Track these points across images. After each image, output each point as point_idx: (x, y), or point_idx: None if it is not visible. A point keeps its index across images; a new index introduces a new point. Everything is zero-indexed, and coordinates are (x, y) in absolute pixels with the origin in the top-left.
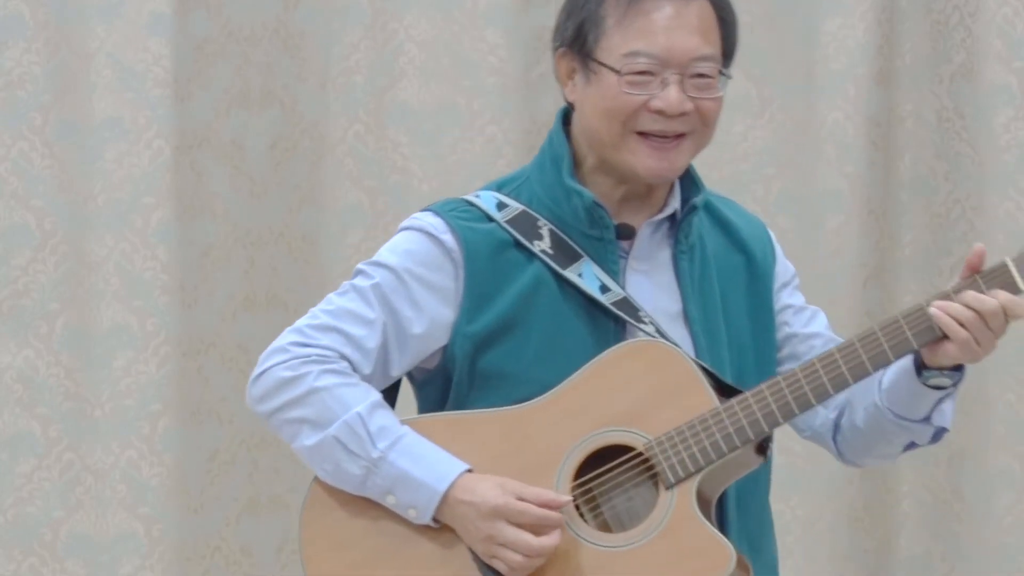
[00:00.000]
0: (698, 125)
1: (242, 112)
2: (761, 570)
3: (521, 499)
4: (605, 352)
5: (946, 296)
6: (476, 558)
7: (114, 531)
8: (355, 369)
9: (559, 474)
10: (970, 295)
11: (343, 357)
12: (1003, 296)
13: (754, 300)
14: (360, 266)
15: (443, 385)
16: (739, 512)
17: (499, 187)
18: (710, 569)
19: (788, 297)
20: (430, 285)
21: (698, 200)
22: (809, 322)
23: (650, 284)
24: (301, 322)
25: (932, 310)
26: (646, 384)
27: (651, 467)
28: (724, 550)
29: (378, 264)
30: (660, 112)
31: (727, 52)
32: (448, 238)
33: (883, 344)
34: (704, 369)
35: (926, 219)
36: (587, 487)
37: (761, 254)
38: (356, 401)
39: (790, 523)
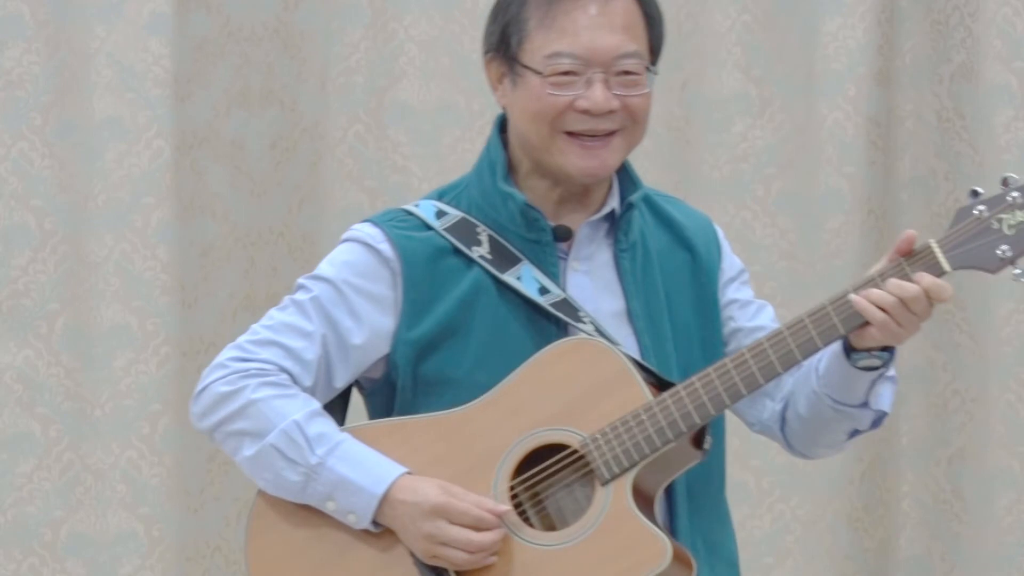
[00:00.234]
0: (627, 122)
1: (242, 112)
2: (719, 566)
3: (462, 501)
4: (539, 352)
5: (871, 281)
6: (417, 561)
7: (114, 531)
8: (295, 381)
9: (497, 475)
10: (892, 282)
11: (283, 370)
12: (927, 280)
13: (699, 296)
14: (300, 280)
15: (390, 394)
16: (690, 508)
17: (440, 195)
18: (645, 563)
19: (734, 292)
20: (369, 295)
21: (635, 198)
22: (755, 316)
23: (592, 284)
24: (242, 338)
25: (853, 297)
26: (580, 382)
27: (587, 464)
28: (659, 544)
29: (317, 277)
30: (586, 112)
31: (654, 48)
32: (386, 247)
33: (811, 331)
34: (639, 364)
35: (926, 219)
36: (529, 486)
37: (706, 250)
38: (294, 410)
39: (790, 523)
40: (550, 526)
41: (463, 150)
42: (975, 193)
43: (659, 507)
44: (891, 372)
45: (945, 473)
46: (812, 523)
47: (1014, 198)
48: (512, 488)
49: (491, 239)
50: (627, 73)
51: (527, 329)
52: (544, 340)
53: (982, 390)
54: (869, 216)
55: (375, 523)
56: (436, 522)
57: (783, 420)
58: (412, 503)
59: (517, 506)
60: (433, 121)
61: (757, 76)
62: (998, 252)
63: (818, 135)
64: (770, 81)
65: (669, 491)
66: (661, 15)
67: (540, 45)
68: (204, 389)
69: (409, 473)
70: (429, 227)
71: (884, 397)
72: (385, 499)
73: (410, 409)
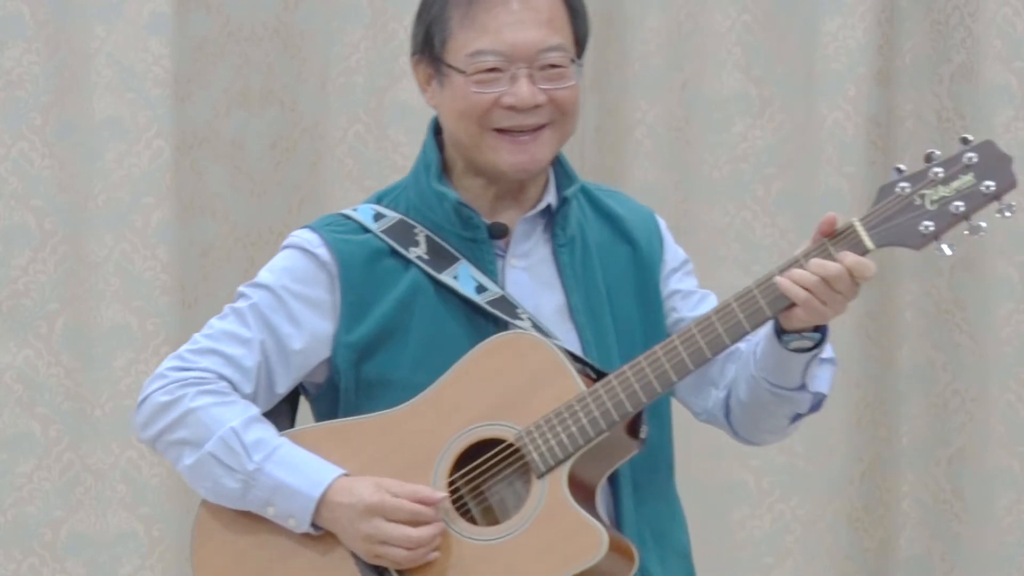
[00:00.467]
0: (556, 115)
1: (242, 112)
2: (669, 556)
3: (397, 496)
4: (473, 349)
5: (795, 262)
6: (358, 561)
7: (114, 531)
8: (235, 388)
9: (435, 472)
10: (814, 261)
11: (222, 377)
12: (849, 258)
13: (642, 288)
14: (240, 288)
15: (334, 397)
16: (636, 498)
17: (379, 199)
18: (582, 553)
19: (677, 283)
20: (307, 300)
21: (569, 192)
22: (697, 306)
23: (531, 280)
24: (182, 348)
25: (777, 278)
26: (514, 376)
27: (523, 458)
28: (596, 534)
29: (256, 285)
30: (513, 108)
31: (579, 40)
32: (323, 252)
33: (738, 315)
34: (573, 356)
35: None
36: (469, 482)
37: (647, 242)
38: (231, 417)
39: (790, 523)
40: (493, 521)
41: None
42: (899, 170)
43: (603, 498)
44: (828, 354)
45: (945, 473)
46: (812, 523)
47: (936, 173)
48: (452, 484)
49: (428, 239)
50: (552, 67)
51: (465, 328)
52: (482, 338)
53: (982, 390)
54: None
55: (315, 526)
56: (373, 521)
57: (727, 407)
58: (348, 504)
59: (459, 502)
60: None
61: (757, 76)
62: (921, 228)
63: (818, 135)
64: (770, 81)
65: (614, 482)
66: (584, 7)
67: (463, 44)
68: (145, 399)
69: (346, 475)
70: (367, 230)
71: (821, 379)
72: (322, 502)
73: (354, 412)
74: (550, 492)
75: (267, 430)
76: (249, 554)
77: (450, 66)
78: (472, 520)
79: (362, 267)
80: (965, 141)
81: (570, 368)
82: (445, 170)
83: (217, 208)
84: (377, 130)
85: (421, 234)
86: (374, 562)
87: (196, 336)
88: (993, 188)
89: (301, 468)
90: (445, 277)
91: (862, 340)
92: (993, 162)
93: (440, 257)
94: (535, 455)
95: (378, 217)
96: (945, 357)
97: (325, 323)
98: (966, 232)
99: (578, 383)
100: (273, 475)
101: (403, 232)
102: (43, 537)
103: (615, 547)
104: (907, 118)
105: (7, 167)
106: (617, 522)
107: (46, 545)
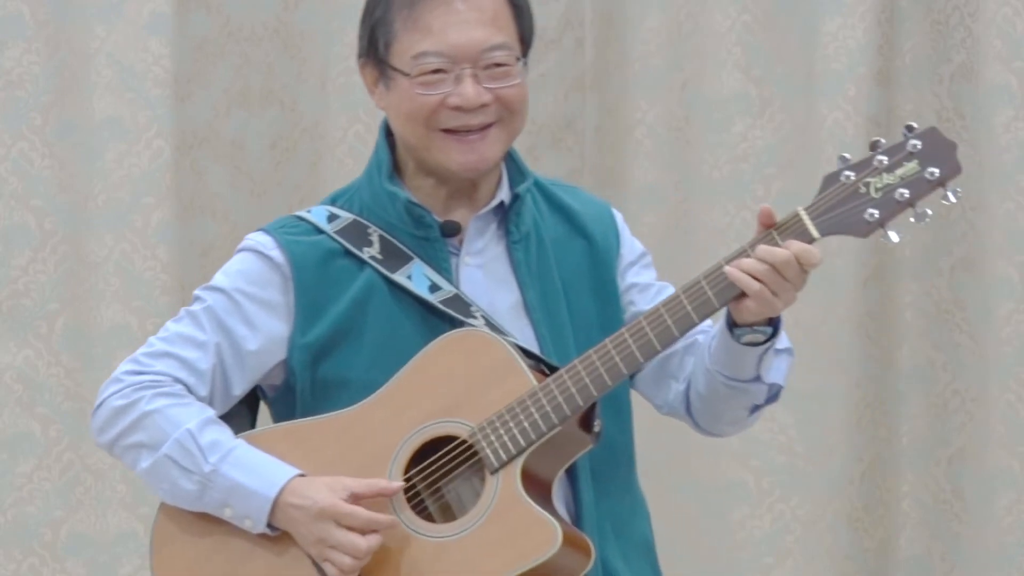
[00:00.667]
0: (503, 114)
1: (242, 112)
2: (632, 550)
3: (352, 494)
4: (425, 347)
5: (742, 252)
6: (315, 562)
7: (114, 531)
8: (191, 391)
9: (391, 470)
10: (761, 248)
11: (178, 380)
12: (796, 245)
13: (598, 283)
14: (196, 292)
15: (291, 399)
16: (596, 492)
17: (333, 200)
18: (536, 548)
19: (634, 276)
20: (262, 302)
21: (521, 188)
22: (654, 299)
23: (485, 278)
24: (138, 351)
25: (726, 267)
26: (466, 373)
27: (477, 454)
28: (550, 529)
29: (211, 288)
30: (459, 108)
31: (523, 38)
32: (276, 253)
33: (686, 307)
34: (525, 352)
35: None
36: (426, 480)
37: (603, 236)
38: (187, 419)
39: (790, 523)
40: (450, 518)
41: None
42: (843, 159)
43: (563, 492)
44: (783, 344)
45: (945, 473)
46: (812, 523)
47: (881, 161)
48: (408, 482)
49: (382, 239)
50: (497, 65)
51: (419, 327)
52: (436, 337)
53: (982, 390)
54: None
55: (272, 526)
56: (324, 524)
57: (687, 400)
58: (302, 507)
59: (415, 499)
60: None
61: (757, 76)
62: (866, 216)
63: (818, 135)
64: (770, 81)
65: (573, 475)
66: (528, 5)
67: (406, 46)
68: (101, 404)
69: (302, 475)
70: (320, 231)
71: (776, 370)
72: (277, 502)
73: (311, 413)
74: (503, 488)
75: (223, 432)
76: (208, 557)
77: (395, 69)
78: (429, 517)
79: (316, 268)
80: (910, 129)
81: (522, 364)
82: (397, 170)
83: (217, 208)
84: (377, 130)
85: (375, 234)
86: (323, 565)
87: (152, 339)
88: (937, 175)
89: (257, 469)
90: (399, 277)
91: (862, 340)
92: (937, 149)
93: (394, 257)
94: (488, 451)
95: (332, 218)
96: (945, 357)
97: (280, 325)
98: (912, 220)
99: (530, 379)
100: (229, 476)
101: (357, 232)
102: (43, 537)
103: (570, 542)
104: (907, 118)
105: (7, 167)
106: (577, 516)
107: (46, 545)
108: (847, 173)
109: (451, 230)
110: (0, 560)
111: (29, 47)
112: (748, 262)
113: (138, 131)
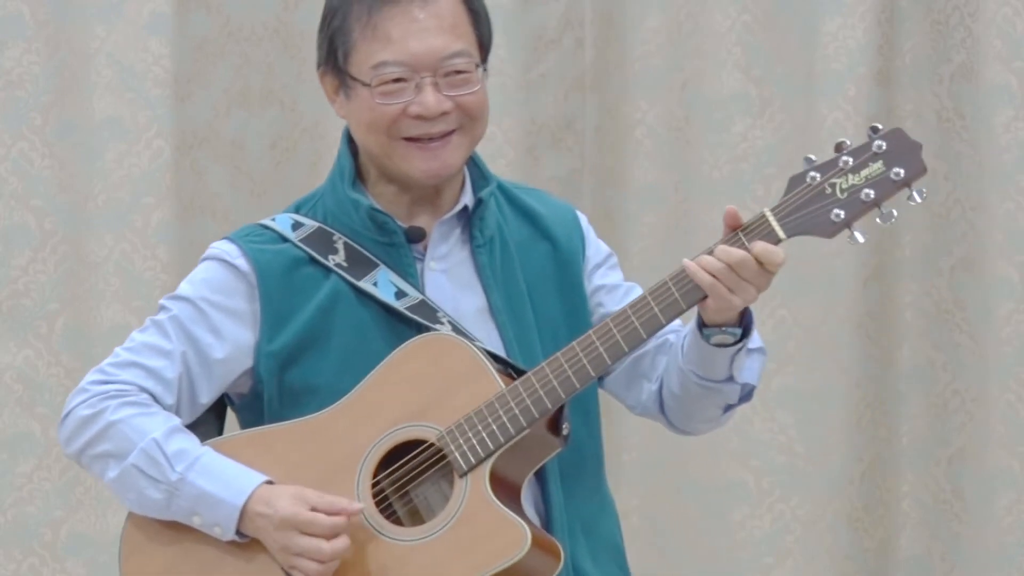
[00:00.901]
0: (464, 120)
1: (242, 112)
2: (601, 550)
3: (313, 509)
4: (392, 353)
5: (708, 251)
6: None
7: (114, 531)
8: (157, 400)
9: (359, 475)
10: (720, 247)
11: (143, 390)
12: (758, 246)
13: (564, 285)
14: (161, 301)
15: (259, 407)
16: (565, 494)
17: (297, 208)
18: (504, 550)
19: (601, 278)
20: (228, 310)
21: (484, 193)
22: (622, 300)
23: (450, 283)
24: (104, 362)
25: (685, 262)
26: (433, 377)
27: (446, 457)
28: (518, 530)
29: (176, 297)
30: (420, 116)
31: (482, 44)
32: (242, 262)
33: (653, 308)
34: (493, 355)
35: (926, 219)
36: (394, 484)
37: (567, 239)
38: (153, 428)
39: (790, 523)
40: (420, 522)
41: None
42: (809, 160)
43: (532, 493)
44: (756, 344)
45: (945, 473)
46: (812, 523)
47: (846, 162)
48: (376, 486)
49: (347, 246)
50: (457, 73)
51: (386, 334)
52: (403, 343)
53: (982, 390)
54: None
55: (241, 533)
56: (288, 533)
57: (660, 400)
58: (266, 515)
59: (383, 504)
60: None
61: (757, 76)
62: (832, 216)
63: (818, 135)
64: (770, 81)
65: (542, 477)
66: (486, 11)
67: (366, 56)
68: (68, 414)
69: (270, 482)
70: (285, 239)
71: (749, 370)
72: (245, 510)
73: (278, 421)
74: (472, 491)
75: (190, 440)
76: (177, 565)
77: (355, 79)
78: (397, 521)
79: (281, 276)
80: (875, 130)
81: (489, 367)
82: (360, 177)
83: (217, 208)
84: None
85: (340, 241)
86: (290, 572)
87: (118, 350)
88: (903, 175)
89: (224, 476)
90: (365, 284)
91: (862, 340)
92: (902, 149)
93: (359, 264)
94: (456, 454)
95: (296, 226)
96: (945, 357)
97: (246, 333)
98: (878, 220)
99: (498, 382)
100: (196, 484)
101: (322, 240)
102: (43, 537)
103: (539, 544)
104: (907, 118)
105: (7, 167)
106: (547, 517)
107: (46, 545)
108: (813, 174)
109: (415, 236)
110: (0, 560)
111: (29, 47)
112: (706, 259)
113: (138, 131)
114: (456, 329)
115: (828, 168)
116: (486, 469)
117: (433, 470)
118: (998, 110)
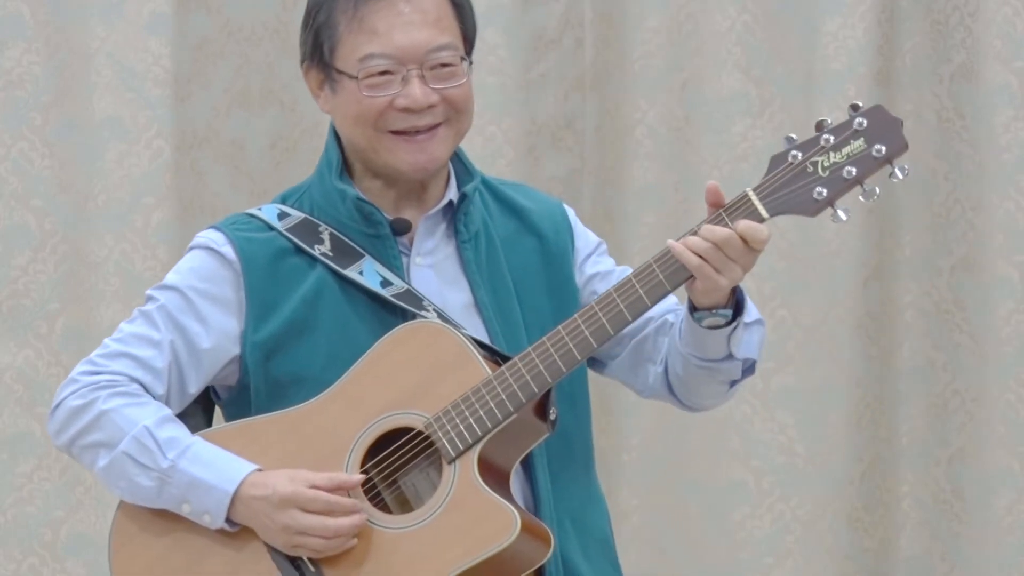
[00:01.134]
0: (451, 113)
1: (242, 112)
2: (590, 544)
3: (312, 486)
4: (379, 341)
5: (692, 232)
6: (274, 555)
7: None
8: (147, 390)
9: (347, 463)
10: (705, 227)
11: (134, 380)
12: (742, 224)
13: (553, 279)
14: (148, 292)
15: (246, 400)
16: (554, 487)
17: (284, 199)
18: (494, 536)
19: (593, 266)
20: (214, 298)
21: (469, 188)
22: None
23: (437, 278)
24: (94, 353)
25: (670, 242)
26: (421, 365)
27: (434, 444)
28: (508, 516)
29: (163, 287)
30: (407, 109)
31: (467, 37)
32: (228, 250)
33: (638, 291)
34: (479, 342)
35: (926, 219)
36: (382, 472)
37: (555, 233)
38: (144, 417)
39: (790, 523)
40: (409, 509)
41: (463, 149)
42: (790, 139)
43: (520, 486)
44: (752, 317)
45: (945, 473)
46: (812, 523)
47: (827, 140)
48: (365, 474)
49: (333, 237)
50: (443, 66)
51: (372, 322)
52: (389, 331)
53: (982, 390)
54: (869, 216)
55: (231, 521)
56: (289, 512)
57: (668, 381)
58: (263, 497)
59: (372, 492)
60: None
61: (757, 76)
62: (814, 195)
63: None
64: (770, 81)
65: (530, 469)
66: (470, 4)
67: (352, 49)
68: (58, 405)
69: (260, 470)
70: (271, 228)
71: (748, 344)
72: (237, 496)
73: (265, 411)
74: (460, 477)
75: (180, 429)
76: (167, 556)
77: (341, 72)
78: (387, 509)
79: (267, 265)
80: (855, 108)
81: (475, 353)
82: (347, 170)
83: (217, 208)
84: None
85: (325, 232)
86: (293, 553)
87: (107, 341)
88: (884, 152)
89: (215, 464)
90: (350, 273)
91: (862, 340)
92: (883, 126)
93: (345, 254)
94: (444, 441)
95: (282, 216)
96: (945, 357)
97: (232, 321)
98: (861, 198)
99: (484, 368)
100: (187, 471)
101: (307, 230)
102: (43, 537)
103: (529, 529)
104: (907, 118)
105: (7, 167)
106: (535, 509)
107: (46, 545)
108: (794, 153)
109: (401, 228)
110: (0, 560)
111: (29, 47)
112: (692, 239)
113: (138, 131)
114: (442, 317)
115: (809, 147)
116: (474, 455)
117: (421, 458)
118: (998, 110)
